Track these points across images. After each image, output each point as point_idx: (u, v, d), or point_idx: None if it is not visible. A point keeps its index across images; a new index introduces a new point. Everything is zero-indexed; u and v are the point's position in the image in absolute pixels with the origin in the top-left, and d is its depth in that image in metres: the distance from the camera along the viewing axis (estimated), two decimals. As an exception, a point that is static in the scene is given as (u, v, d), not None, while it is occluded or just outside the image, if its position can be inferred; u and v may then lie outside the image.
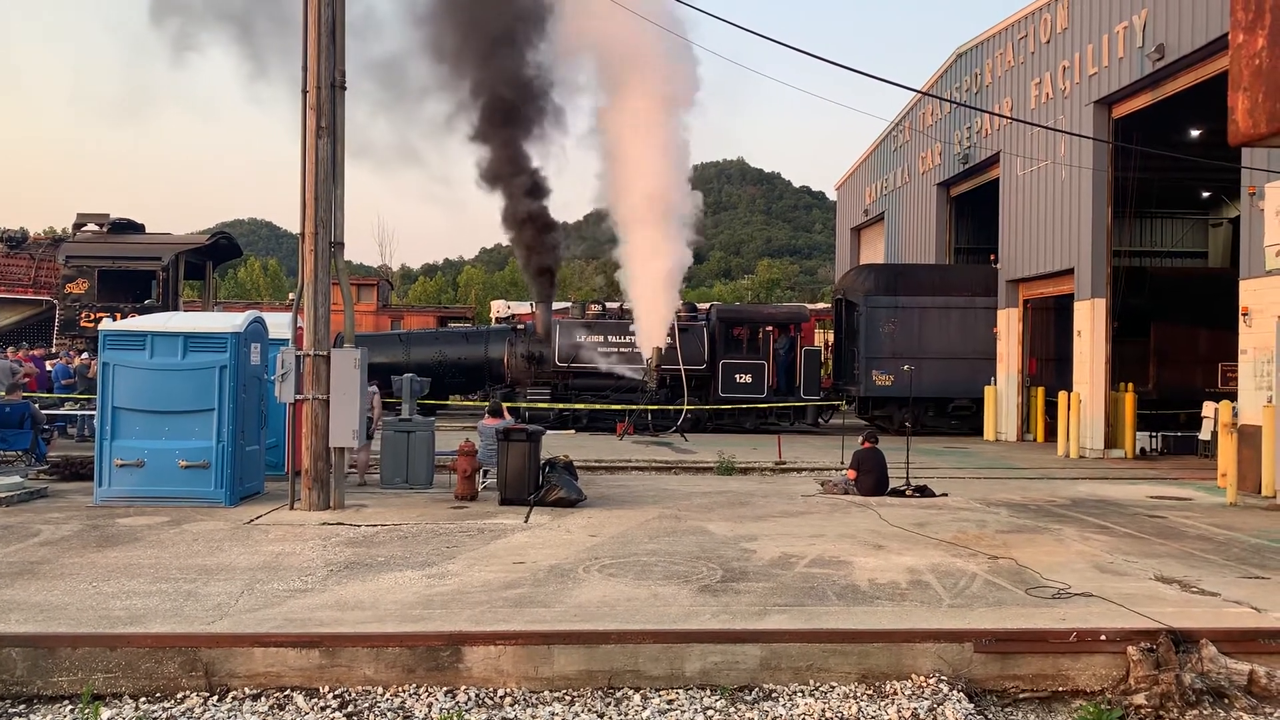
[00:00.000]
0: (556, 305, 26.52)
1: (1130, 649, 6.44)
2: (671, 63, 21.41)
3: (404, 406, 13.56)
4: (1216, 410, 15.33)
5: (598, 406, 23.41)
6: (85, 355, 20.52)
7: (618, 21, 19.11)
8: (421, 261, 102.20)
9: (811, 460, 17.42)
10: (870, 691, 6.22)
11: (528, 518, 10.85)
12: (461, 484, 12.16)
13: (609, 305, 27.16)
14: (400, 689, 6.13)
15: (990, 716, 6.19)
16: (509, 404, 20.42)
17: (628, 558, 8.76)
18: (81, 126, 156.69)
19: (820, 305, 39.77)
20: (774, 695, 6.17)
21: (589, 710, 5.95)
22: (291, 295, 13.76)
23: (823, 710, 5.94)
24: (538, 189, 24.23)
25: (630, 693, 6.17)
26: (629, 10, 16.96)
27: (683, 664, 6.32)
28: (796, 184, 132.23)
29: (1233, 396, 15.19)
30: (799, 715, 5.90)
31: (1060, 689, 6.46)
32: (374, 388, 14.17)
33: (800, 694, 6.16)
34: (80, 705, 5.92)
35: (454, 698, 6.05)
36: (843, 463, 15.44)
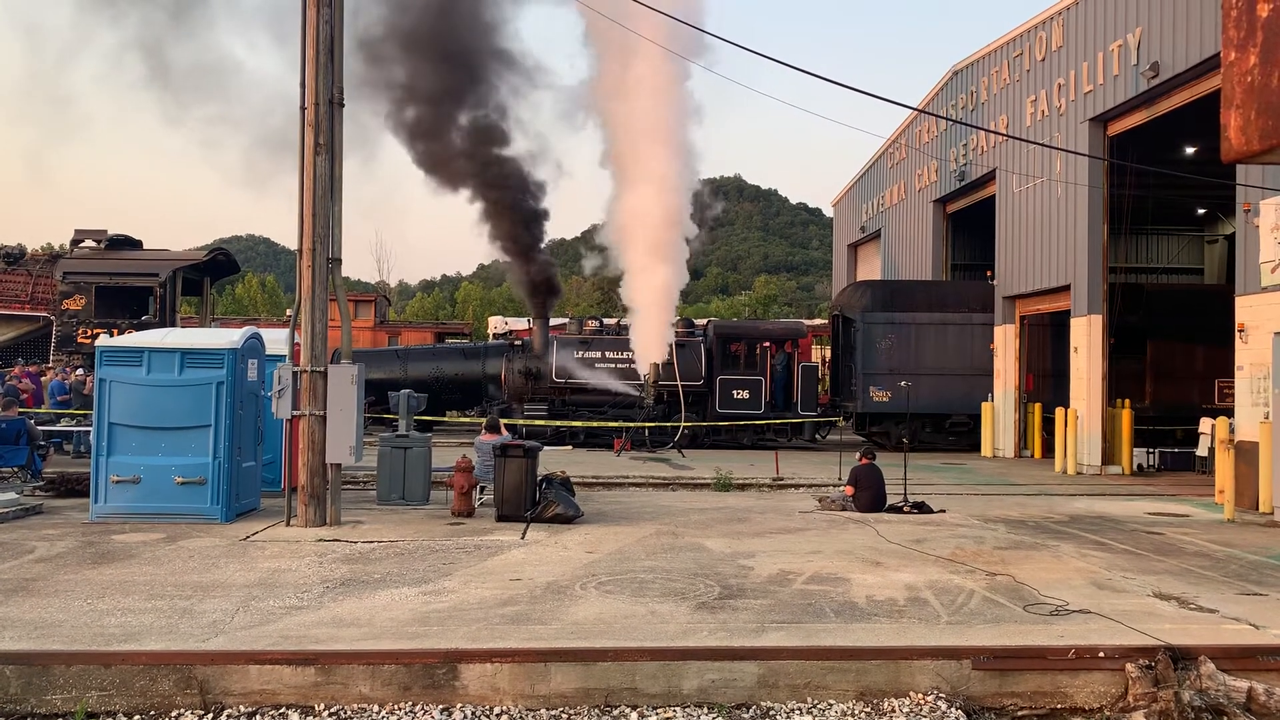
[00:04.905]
0: (554, 321, 26.54)
1: (1129, 666, 6.43)
2: (676, 84, 21.52)
3: (401, 422, 13.55)
4: (1213, 426, 15.33)
5: (595, 424, 23.39)
6: (80, 371, 20.49)
7: (619, 40, 19.26)
8: (419, 278, 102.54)
9: (809, 476, 17.39)
10: (868, 709, 6.19)
11: (525, 534, 10.83)
12: (458, 500, 12.14)
13: (606, 321, 27.18)
14: (396, 707, 6.10)
15: (989, 734, 6.17)
16: (506, 420, 20.41)
17: (625, 574, 8.73)
18: (79, 142, 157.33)
19: (817, 321, 39.83)
20: (772, 713, 6.14)
21: (586, 728, 5.93)
22: (289, 311, 13.77)
23: (820, 728, 5.92)
24: (534, 209, 24.34)
25: (627, 710, 6.15)
26: (630, 30, 17.07)
27: (680, 682, 6.30)
28: (793, 200, 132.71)
29: (1230, 413, 15.19)
30: (797, 733, 5.87)
31: (1059, 706, 6.44)
32: None
33: (798, 712, 6.14)
34: (74, 723, 5.89)
35: (450, 715, 6.02)
36: (840, 479, 15.42)
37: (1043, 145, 20.00)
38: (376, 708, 6.10)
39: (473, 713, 6.07)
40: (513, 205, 24.02)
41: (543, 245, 24.81)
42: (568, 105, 28.93)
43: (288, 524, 11.14)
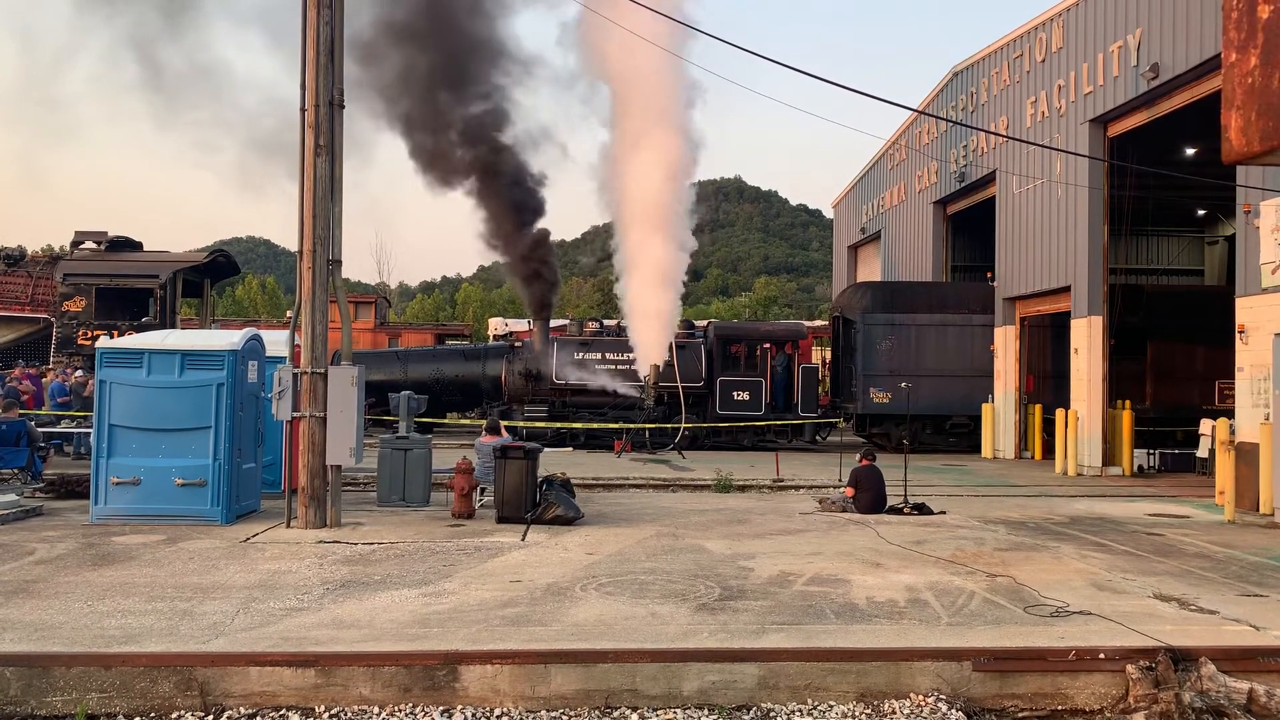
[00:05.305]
0: (554, 323, 26.52)
1: (1129, 667, 6.42)
2: (676, 81, 21.47)
3: (401, 424, 13.55)
4: (1214, 428, 15.33)
5: (595, 425, 23.39)
6: (80, 373, 20.49)
7: (622, 45, 19.22)
8: (419, 279, 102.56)
9: (809, 478, 17.39)
10: (869, 711, 6.19)
11: (525, 536, 10.82)
12: (459, 502, 12.14)
13: (606, 323, 27.18)
14: (396, 708, 6.10)
15: (989, 736, 6.16)
16: (506, 422, 20.41)
17: (625, 576, 8.73)
18: (79, 143, 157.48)
19: (818, 323, 39.82)
20: (772, 714, 6.14)
21: (586, 730, 5.92)
22: (289, 313, 13.76)
23: (821, 730, 5.91)
24: (534, 206, 24.32)
25: (628, 712, 6.14)
26: (629, 31, 17.06)
27: (680, 683, 6.29)
28: (794, 201, 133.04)
29: (1230, 414, 15.19)
30: (797, 735, 5.87)
31: (1059, 708, 6.44)
32: None
33: (798, 713, 6.14)
34: (74, 725, 5.89)
35: (450, 717, 6.02)
36: (840, 480, 15.41)
37: (1043, 146, 20.00)
38: (377, 709, 6.09)
39: (473, 714, 6.07)
40: (510, 198, 23.99)
41: (540, 238, 24.70)
42: (563, 87, 28.85)
43: (288, 526, 11.14)
